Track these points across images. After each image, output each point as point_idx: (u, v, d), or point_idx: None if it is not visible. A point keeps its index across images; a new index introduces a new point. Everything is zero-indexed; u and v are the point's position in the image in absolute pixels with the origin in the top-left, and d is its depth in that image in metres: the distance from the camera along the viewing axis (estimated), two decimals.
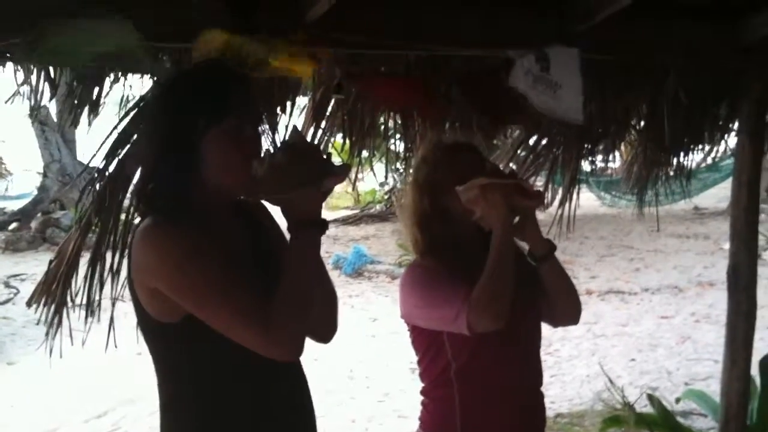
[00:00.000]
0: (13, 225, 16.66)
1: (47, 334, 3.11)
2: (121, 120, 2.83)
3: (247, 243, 1.85)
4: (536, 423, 2.43)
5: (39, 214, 16.67)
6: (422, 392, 2.42)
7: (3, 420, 6.33)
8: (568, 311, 2.39)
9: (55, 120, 16.41)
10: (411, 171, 2.52)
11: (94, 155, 2.92)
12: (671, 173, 4.44)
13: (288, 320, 1.65)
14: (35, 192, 17.66)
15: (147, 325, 1.77)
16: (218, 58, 2.27)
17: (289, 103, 3.14)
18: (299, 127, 3.14)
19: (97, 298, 3.11)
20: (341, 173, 1.73)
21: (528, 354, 2.38)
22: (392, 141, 4.10)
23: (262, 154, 1.76)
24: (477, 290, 2.12)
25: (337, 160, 1.79)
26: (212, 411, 1.78)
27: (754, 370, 4.13)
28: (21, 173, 19.06)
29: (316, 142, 3.27)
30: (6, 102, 3.03)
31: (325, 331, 2.00)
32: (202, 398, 1.80)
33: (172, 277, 1.67)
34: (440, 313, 2.22)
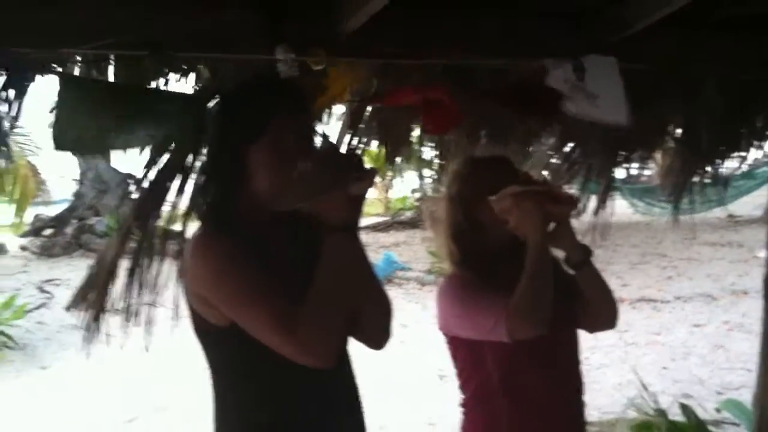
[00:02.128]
0: (49, 231, 16.88)
1: (84, 338, 3.15)
2: (158, 130, 2.86)
3: (294, 253, 1.87)
4: (578, 427, 2.45)
5: (74, 221, 16.88)
6: (463, 404, 2.43)
7: (33, 424, 6.41)
8: (604, 316, 2.40)
9: None
10: (443, 183, 2.54)
11: (130, 162, 2.97)
12: (707, 181, 4.41)
13: (316, 327, 1.67)
14: (71, 198, 17.88)
15: (199, 327, 1.84)
16: (265, 72, 2.33)
17: (326, 111, 3.16)
18: (334, 135, 3.18)
19: (134, 303, 3.15)
20: (367, 177, 1.74)
21: (568, 363, 2.39)
22: (424, 149, 4.11)
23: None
24: (516, 297, 2.12)
25: (365, 165, 1.79)
26: (257, 413, 1.83)
27: None
28: (56, 180, 19.28)
29: (350, 149, 3.30)
30: (50, 111, 3.08)
31: (379, 338, 2.01)
32: (248, 398, 1.84)
33: (212, 285, 1.75)
34: (479, 322, 2.23)
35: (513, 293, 2.14)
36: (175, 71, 2.72)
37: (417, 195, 17.22)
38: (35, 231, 16.87)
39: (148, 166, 2.93)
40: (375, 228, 17.80)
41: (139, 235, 3.06)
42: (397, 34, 2.53)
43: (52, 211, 17.74)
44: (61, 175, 18.86)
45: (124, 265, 3.19)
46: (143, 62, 2.57)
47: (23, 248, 16.24)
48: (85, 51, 2.48)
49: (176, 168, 2.91)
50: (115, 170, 16.66)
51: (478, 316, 2.23)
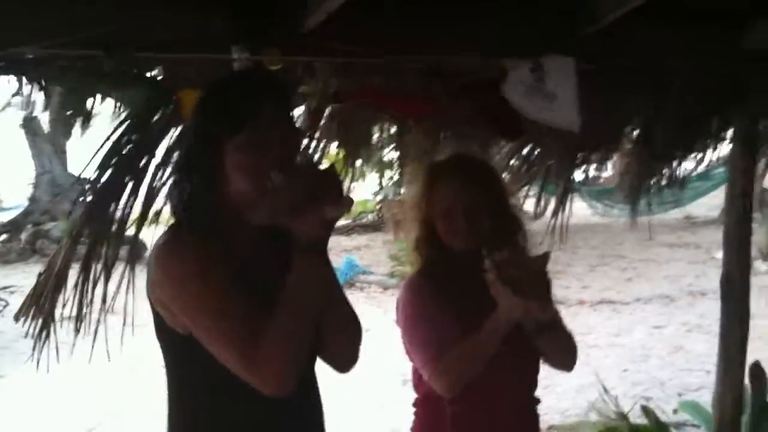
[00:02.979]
0: (3, 236, 16.58)
1: (34, 347, 3.07)
2: (114, 131, 2.80)
3: (266, 262, 1.78)
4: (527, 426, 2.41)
5: (29, 226, 16.59)
6: (414, 404, 2.40)
7: (14, 424, 6.28)
8: (563, 364, 2.37)
9: (47, 130, 16.40)
10: (404, 186, 2.51)
11: (86, 166, 2.90)
12: (663, 182, 4.44)
13: (274, 353, 1.59)
14: (26, 203, 17.58)
15: (159, 328, 1.75)
16: (249, 68, 2.25)
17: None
18: None
19: (85, 310, 3.07)
20: (343, 204, 1.63)
21: (521, 366, 2.35)
22: (385, 151, 4.09)
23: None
24: (448, 359, 2.13)
25: (343, 187, 1.69)
26: (210, 422, 1.77)
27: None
28: (11, 185, 18.98)
29: (329, 166, 3.24)
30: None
31: (345, 362, 1.94)
32: (203, 407, 1.77)
33: (173, 293, 1.67)
34: (416, 353, 2.25)
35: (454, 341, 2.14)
36: (133, 68, 2.67)
37: (378, 198, 17.18)
38: None
39: (100, 168, 2.86)
40: (337, 231, 17.74)
41: (91, 240, 2.99)
42: (357, 32, 2.50)
43: (7, 216, 17.44)
44: (14, 179, 18.57)
45: (75, 271, 3.13)
46: (99, 62, 2.52)
47: None
48: (41, 49, 2.42)
49: (128, 170, 2.85)
50: (70, 174, 16.40)
51: (417, 349, 2.24)
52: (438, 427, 2.28)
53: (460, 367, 2.14)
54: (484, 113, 2.85)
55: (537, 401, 2.42)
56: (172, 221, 1.79)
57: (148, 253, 1.79)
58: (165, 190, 2.96)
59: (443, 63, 2.64)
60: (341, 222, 18.23)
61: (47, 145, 16.35)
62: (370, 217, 18.50)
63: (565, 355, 2.35)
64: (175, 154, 2.15)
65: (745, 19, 2.97)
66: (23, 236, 16.26)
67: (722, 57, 2.98)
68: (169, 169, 2.81)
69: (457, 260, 2.29)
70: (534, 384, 2.40)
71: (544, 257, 2.15)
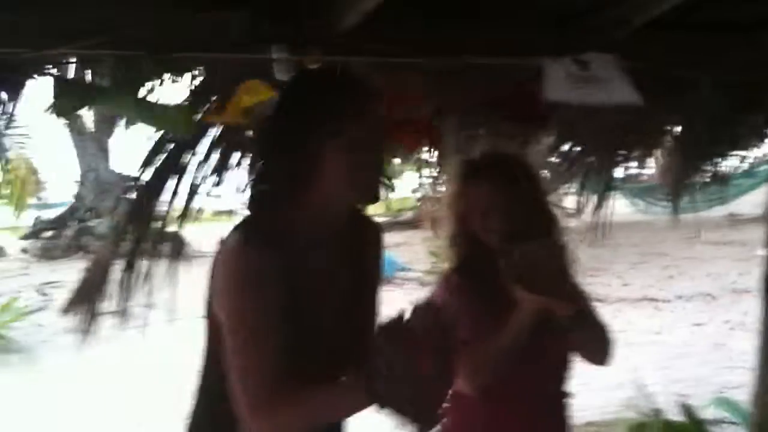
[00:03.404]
0: (49, 233, 16.86)
1: (79, 341, 3.14)
2: (158, 129, 2.84)
3: (332, 279, 1.75)
4: (561, 427, 2.39)
5: (74, 223, 16.86)
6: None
7: (32, 427, 6.38)
8: (596, 358, 2.34)
9: (92, 129, 16.62)
10: (442, 184, 2.50)
11: (129, 164, 2.96)
12: (707, 179, 4.39)
13: (281, 420, 1.59)
14: (71, 201, 17.85)
15: (209, 314, 1.73)
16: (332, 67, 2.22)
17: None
18: None
19: (128, 305, 3.13)
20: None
21: (553, 361, 2.33)
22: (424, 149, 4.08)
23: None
24: (472, 360, 2.12)
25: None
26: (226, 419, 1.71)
27: None
28: (57, 182, 19.28)
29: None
30: (46, 111, 3.07)
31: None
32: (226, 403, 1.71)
33: (221, 300, 1.66)
34: None
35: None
36: (171, 72, 2.70)
37: (417, 195, 17.16)
38: (35, 233, 16.85)
39: (144, 166, 2.91)
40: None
41: (134, 237, 3.04)
42: (393, 33, 2.50)
43: (53, 213, 17.73)
44: (61, 176, 18.86)
45: (119, 267, 3.19)
46: (139, 63, 2.55)
47: (24, 251, 16.23)
48: (79, 51, 2.46)
49: (171, 169, 2.89)
50: (114, 171, 16.61)
51: None
52: (468, 422, 2.28)
53: (484, 367, 2.17)
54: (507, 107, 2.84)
55: (567, 395, 2.40)
56: (243, 218, 1.75)
57: (191, 248, 1.79)
58: (205, 187, 3.00)
59: (477, 63, 2.63)
60: (380, 219, 18.25)
61: (92, 143, 16.58)
62: (410, 214, 18.48)
63: (598, 349, 2.32)
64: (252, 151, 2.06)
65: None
66: (68, 233, 16.53)
67: (748, 62, 2.94)
68: (208, 167, 2.85)
69: (494, 258, 2.25)
70: (564, 378, 2.38)
71: (558, 249, 2.14)
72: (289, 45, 2.32)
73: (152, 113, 2.42)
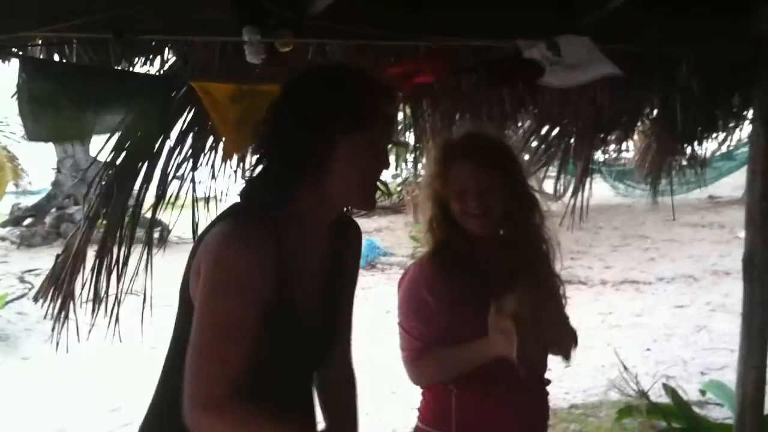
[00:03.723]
0: (28, 220, 16.72)
1: (53, 329, 3.10)
2: (126, 115, 2.80)
3: (309, 276, 1.73)
4: (536, 414, 2.39)
5: (53, 210, 16.72)
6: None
7: (17, 415, 6.34)
8: (562, 355, 2.33)
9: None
10: (423, 169, 2.47)
11: (101, 149, 2.90)
12: (685, 162, 4.39)
13: (223, 426, 1.56)
14: (50, 188, 17.70)
15: (183, 292, 1.71)
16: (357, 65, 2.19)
17: None
18: None
19: (104, 292, 3.09)
20: None
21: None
22: (404, 133, 4.06)
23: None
24: (425, 360, 2.21)
25: None
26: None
27: None
28: (36, 169, 19.12)
29: None
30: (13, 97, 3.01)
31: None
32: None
33: (201, 286, 1.60)
34: (401, 338, 2.28)
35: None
36: (141, 54, 2.66)
37: (399, 180, 17.15)
38: (14, 221, 16.71)
39: (114, 151, 2.87)
40: (357, 213, 17.72)
41: (107, 223, 3.00)
42: (367, 14, 2.47)
43: (32, 200, 17.58)
44: (40, 163, 18.69)
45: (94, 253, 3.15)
46: (108, 45, 2.51)
47: (2, 238, 16.08)
48: (47, 34, 2.42)
49: (144, 153, 2.85)
50: (93, 158, 16.43)
51: (404, 335, 2.26)
52: (444, 411, 2.27)
53: (433, 372, 2.25)
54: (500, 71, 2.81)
55: (546, 382, 2.40)
56: (235, 206, 1.72)
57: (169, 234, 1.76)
58: (180, 173, 2.96)
59: (454, 44, 2.61)
60: None
61: None
62: (392, 199, 18.47)
63: (565, 349, 2.31)
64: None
65: (748, 6, 2.92)
66: (47, 220, 16.40)
67: (730, 42, 2.92)
68: (185, 152, 2.81)
69: (471, 241, 2.25)
70: (541, 366, 2.37)
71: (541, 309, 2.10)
72: (261, 27, 2.28)
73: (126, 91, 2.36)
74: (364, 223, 16.28)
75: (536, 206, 2.33)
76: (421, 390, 2.39)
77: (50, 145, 16.96)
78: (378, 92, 1.68)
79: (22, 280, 11.69)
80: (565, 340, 2.29)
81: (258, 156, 1.71)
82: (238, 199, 1.73)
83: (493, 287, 2.13)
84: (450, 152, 2.29)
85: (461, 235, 2.25)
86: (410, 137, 4.04)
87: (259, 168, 1.70)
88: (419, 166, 4.27)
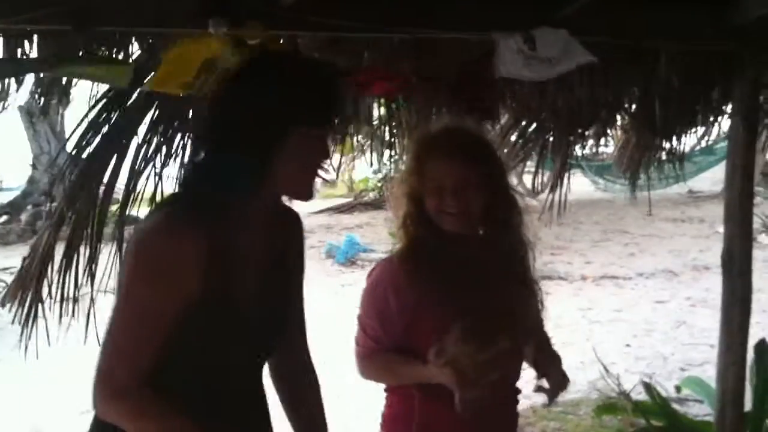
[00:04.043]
0: (3, 218, 16.53)
1: (21, 332, 3.02)
2: (92, 107, 2.72)
3: (249, 267, 1.68)
4: (505, 425, 2.32)
5: (29, 207, 16.54)
6: (386, 389, 2.31)
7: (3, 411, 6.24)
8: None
9: (43, 109, 16.25)
10: (402, 164, 2.40)
11: (64, 143, 2.82)
12: (664, 157, 4.36)
13: (127, 414, 1.58)
14: (25, 184, 17.50)
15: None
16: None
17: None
18: None
19: (71, 292, 3.01)
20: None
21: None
22: (383, 128, 4.01)
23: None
24: (373, 362, 2.20)
25: None
26: None
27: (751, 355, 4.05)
28: (11, 165, 18.92)
29: None
30: None
31: None
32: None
33: (123, 274, 1.61)
34: (357, 333, 2.24)
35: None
36: (106, 47, 2.58)
37: (379, 176, 17.10)
38: None
39: (78, 148, 2.79)
40: (338, 209, 17.68)
41: (74, 220, 2.92)
42: (340, 5, 2.40)
43: (7, 197, 17.39)
44: (16, 160, 18.51)
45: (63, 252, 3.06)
46: (69, 37, 2.43)
47: None
48: (6, 26, 2.34)
49: (109, 149, 2.78)
50: (69, 154, 16.28)
51: (360, 328, 2.22)
52: (407, 416, 2.20)
53: (379, 376, 2.25)
54: (461, 92, 2.77)
55: (516, 392, 2.33)
56: (172, 195, 1.70)
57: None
58: (150, 168, 2.89)
59: (428, 38, 2.54)
60: (342, 200, 18.15)
61: (44, 125, 16.24)
62: (372, 195, 18.41)
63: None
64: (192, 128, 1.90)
65: None
66: (23, 217, 16.22)
67: (711, 33, 2.87)
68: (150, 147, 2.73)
69: (446, 240, 2.16)
70: (513, 376, 2.30)
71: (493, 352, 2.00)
72: (229, 18, 2.20)
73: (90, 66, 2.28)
74: (344, 219, 16.23)
75: (516, 205, 2.24)
76: (385, 393, 2.32)
77: (26, 141, 16.82)
78: (336, 86, 1.65)
79: None
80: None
81: (202, 141, 1.68)
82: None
83: (462, 292, 2.07)
84: (427, 147, 2.20)
85: (436, 233, 2.15)
86: (386, 132, 3.99)
87: (202, 154, 1.65)
88: (398, 161, 4.23)
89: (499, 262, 2.20)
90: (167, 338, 1.55)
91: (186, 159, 1.93)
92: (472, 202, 2.11)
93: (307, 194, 1.68)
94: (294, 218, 1.88)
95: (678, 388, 5.45)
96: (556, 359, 2.33)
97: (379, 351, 2.17)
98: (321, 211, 16.18)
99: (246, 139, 1.56)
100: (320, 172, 1.67)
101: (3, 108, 3.17)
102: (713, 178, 15.53)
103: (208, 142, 1.65)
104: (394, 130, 3.91)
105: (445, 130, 2.29)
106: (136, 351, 1.55)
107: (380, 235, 13.50)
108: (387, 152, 4.44)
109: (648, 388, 4.81)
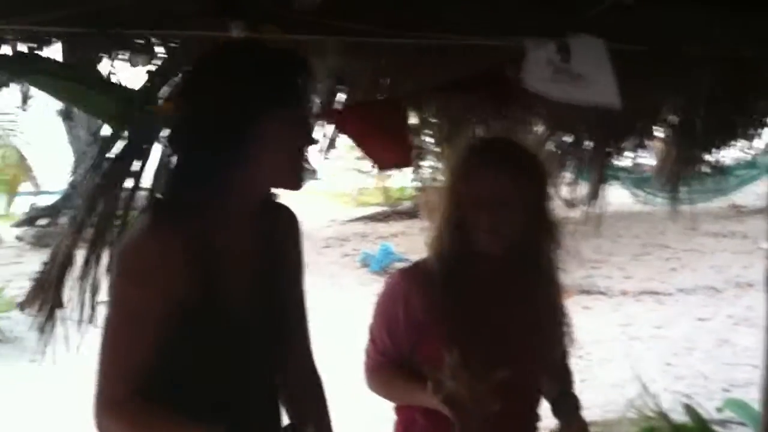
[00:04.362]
0: (43, 221, 16.73)
1: (40, 339, 2.97)
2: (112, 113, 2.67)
3: (240, 265, 1.63)
4: None
5: (68, 210, 16.71)
6: (396, 406, 2.22)
7: (24, 417, 6.25)
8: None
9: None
10: (440, 173, 2.27)
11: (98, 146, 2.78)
12: (707, 170, 4.24)
13: (123, 422, 1.54)
14: (65, 188, 17.71)
15: None
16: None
17: None
18: None
19: (91, 298, 2.95)
20: None
21: (514, 386, 1.94)
22: (422, 138, 3.95)
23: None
24: (379, 377, 2.10)
25: None
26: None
27: None
28: (53, 170, 19.18)
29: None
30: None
31: None
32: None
33: (113, 279, 1.61)
34: (368, 342, 2.15)
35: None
36: (126, 50, 2.52)
37: (416, 184, 17.03)
38: (30, 221, 16.72)
39: (103, 150, 2.75)
40: (373, 218, 17.60)
41: (96, 226, 2.87)
42: (361, 9, 2.31)
43: (48, 201, 17.60)
44: (58, 163, 18.76)
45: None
46: (91, 40, 2.38)
47: (18, 238, 16.11)
48: (29, 28, 2.30)
49: (132, 153, 2.72)
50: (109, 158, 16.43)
51: (371, 337, 2.13)
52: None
53: (382, 391, 2.14)
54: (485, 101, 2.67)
55: (536, 418, 2.20)
56: (155, 198, 1.73)
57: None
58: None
59: (454, 44, 2.44)
60: (378, 209, 18.10)
61: (83, 130, 16.41)
62: (408, 203, 18.29)
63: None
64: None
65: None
66: (62, 220, 16.40)
67: (755, 39, 2.72)
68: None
69: (472, 258, 2.01)
70: (530, 402, 2.17)
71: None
72: (248, 22, 2.14)
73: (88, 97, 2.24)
74: (380, 228, 16.19)
75: (555, 233, 2.08)
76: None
77: (68, 146, 17.04)
78: (295, 65, 1.57)
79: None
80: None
81: (173, 144, 1.63)
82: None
83: (476, 314, 1.96)
84: (471, 156, 2.05)
85: (464, 250, 2.00)
86: (426, 140, 3.93)
87: (177, 157, 1.61)
88: (438, 170, 4.15)
89: (524, 287, 2.08)
90: (159, 346, 1.52)
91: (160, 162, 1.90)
92: (511, 222, 1.96)
93: (294, 182, 1.62)
94: (287, 215, 1.80)
95: (719, 410, 5.28)
96: (574, 405, 2.23)
97: (385, 364, 2.09)
98: (356, 220, 16.15)
99: (216, 134, 1.51)
100: (305, 157, 1.61)
101: (24, 108, 3.12)
102: (757, 193, 15.19)
103: (179, 142, 1.62)
104: (432, 138, 3.85)
105: (495, 141, 2.18)
106: (126, 360, 1.53)
107: (415, 245, 13.31)
108: (424, 161, 4.38)
109: (688, 409, 4.67)
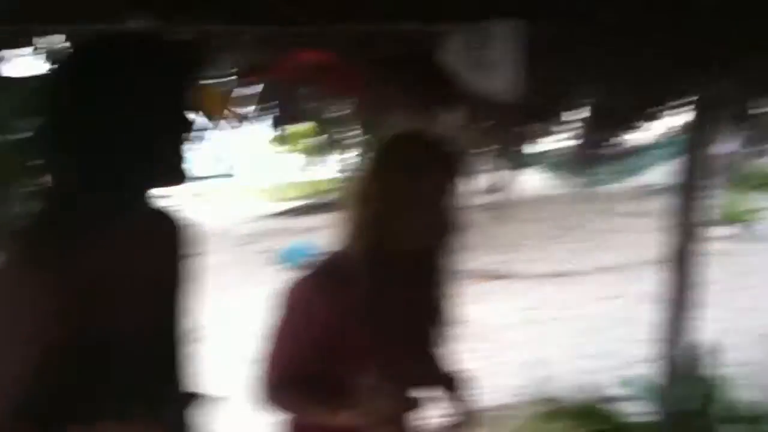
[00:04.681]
0: None
1: None
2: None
3: (119, 278, 1.47)
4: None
5: None
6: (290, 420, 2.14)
7: None
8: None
9: None
10: (363, 165, 2.16)
11: None
12: (620, 151, 4.34)
13: None
14: None
15: None
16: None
17: None
18: None
19: None
20: None
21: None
22: (343, 128, 3.93)
23: None
24: (288, 395, 1.97)
25: None
26: None
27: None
28: None
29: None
30: None
31: None
32: None
33: None
34: (273, 350, 1.99)
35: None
36: (24, 44, 2.41)
37: (341, 176, 16.92)
38: None
39: None
40: (296, 212, 17.45)
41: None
42: None
43: None
44: None
45: None
46: None
47: None
48: None
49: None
50: None
51: (273, 352, 1.98)
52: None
53: (287, 407, 2.00)
54: (416, 84, 2.66)
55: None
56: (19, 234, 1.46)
57: None
58: None
59: (377, 31, 2.42)
60: (306, 201, 17.78)
61: None
62: (330, 197, 18.17)
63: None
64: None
65: None
66: None
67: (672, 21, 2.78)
68: None
69: (387, 258, 1.95)
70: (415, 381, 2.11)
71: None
72: (156, 13, 2.06)
73: None
74: (299, 223, 15.94)
75: (457, 223, 2.02)
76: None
77: None
78: (176, 54, 1.45)
79: None
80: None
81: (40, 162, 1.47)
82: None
83: (384, 317, 1.93)
84: (395, 153, 1.99)
85: (387, 246, 1.94)
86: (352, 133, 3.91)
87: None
88: (357, 161, 4.12)
89: (418, 276, 2.05)
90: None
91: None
92: (436, 218, 1.94)
93: (177, 176, 1.48)
94: (167, 220, 1.67)
95: (623, 386, 5.39)
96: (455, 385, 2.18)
97: (294, 379, 1.95)
98: (278, 215, 15.97)
99: (78, 142, 1.38)
100: (184, 147, 1.46)
101: None
102: (669, 171, 15.57)
103: (46, 161, 1.46)
104: (354, 129, 3.82)
105: (417, 136, 2.09)
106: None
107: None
108: (346, 153, 4.35)
109: (590, 388, 4.77)
